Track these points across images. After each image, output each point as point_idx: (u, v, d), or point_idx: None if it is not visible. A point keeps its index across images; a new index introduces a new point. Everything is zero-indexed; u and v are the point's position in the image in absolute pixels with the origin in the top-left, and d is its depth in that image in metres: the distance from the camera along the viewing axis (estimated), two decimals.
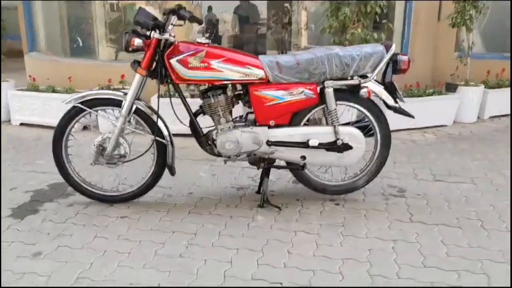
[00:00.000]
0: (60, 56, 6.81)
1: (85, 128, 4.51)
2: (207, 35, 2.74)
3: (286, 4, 8.96)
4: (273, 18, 8.96)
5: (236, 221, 2.75)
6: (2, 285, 2.13)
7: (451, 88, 5.44)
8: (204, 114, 2.89)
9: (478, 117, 5.52)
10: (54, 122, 2.92)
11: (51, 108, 4.73)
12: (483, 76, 5.72)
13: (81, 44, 7.29)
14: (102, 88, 4.52)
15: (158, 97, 2.77)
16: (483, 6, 5.21)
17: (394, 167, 3.76)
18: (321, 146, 2.83)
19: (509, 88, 5.57)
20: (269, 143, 2.82)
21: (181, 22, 2.81)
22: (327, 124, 2.96)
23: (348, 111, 3.02)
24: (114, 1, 7.10)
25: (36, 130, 4.79)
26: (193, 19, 2.77)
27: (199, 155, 3.93)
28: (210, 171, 3.61)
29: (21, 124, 5.02)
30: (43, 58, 6.73)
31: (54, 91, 4.86)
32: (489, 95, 5.51)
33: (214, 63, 2.68)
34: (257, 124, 2.86)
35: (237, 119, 2.96)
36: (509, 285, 2.16)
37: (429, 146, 4.43)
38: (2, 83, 5.16)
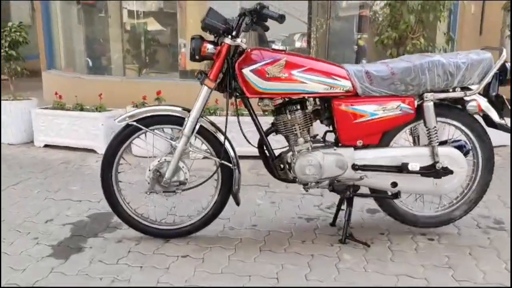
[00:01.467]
0: (81, 73, 6.46)
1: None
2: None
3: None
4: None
5: (320, 261, 2.30)
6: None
7: None
8: (277, 133, 2.46)
9: None
10: (83, 143, 2.52)
11: (79, 128, 4.32)
12: None
13: (102, 62, 6.96)
14: (137, 106, 4.12)
15: (227, 114, 2.36)
16: None
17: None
18: (417, 170, 2.39)
19: None
20: (356, 167, 2.39)
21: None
22: (414, 143, 2.54)
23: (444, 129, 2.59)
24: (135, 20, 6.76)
25: (63, 152, 4.37)
26: (282, 18, 2.32)
27: (249, 180, 3.52)
28: (267, 198, 3.17)
29: (45, 145, 4.60)
30: (65, 75, 6.39)
31: (82, 109, 4.45)
32: None
33: (296, 73, 2.27)
34: (340, 144, 2.43)
35: (317, 138, 2.54)
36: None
37: (500, 168, 3.98)
38: (25, 101, 4.78)
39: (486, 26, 5.39)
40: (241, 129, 2.46)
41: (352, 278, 2.14)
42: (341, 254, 2.37)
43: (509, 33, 4.71)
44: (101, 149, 4.11)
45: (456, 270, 2.21)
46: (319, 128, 2.56)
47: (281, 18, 2.19)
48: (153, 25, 6.91)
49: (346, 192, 2.43)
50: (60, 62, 6.79)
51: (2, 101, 4.65)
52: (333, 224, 2.70)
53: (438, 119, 2.44)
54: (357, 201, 2.92)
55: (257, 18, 2.23)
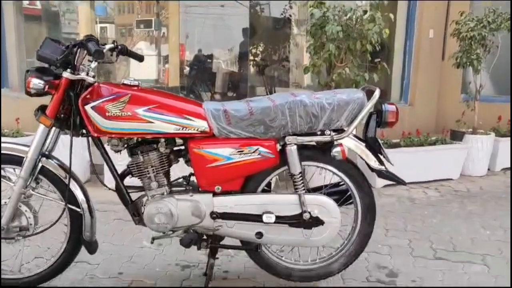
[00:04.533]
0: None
1: None
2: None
3: (286, 40, 8.43)
4: (272, 55, 8.40)
5: None
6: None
7: (457, 136, 4.77)
8: (132, 175, 2.23)
9: (489, 169, 4.83)
10: None
11: None
12: (493, 122, 5.06)
13: None
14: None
15: (70, 153, 2.13)
16: (492, 45, 4.60)
17: (386, 236, 3.06)
18: (282, 220, 2.15)
19: None
20: (214, 216, 2.15)
21: (113, 58, 2.24)
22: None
23: (320, 175, 2.35)
24: None
25: None
26: (124, 52, 2.18)
27: None
28: (157, 240, 2.91)
29: None
30: (8, 94, 6.19)
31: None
32: (501, 144, 4.83)
33: (140, 112, 2.04)
34: (200, 189, 2.20)
35: (180, 180, 2.31)
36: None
37: (431, 206, 3.72)
38: None
39: (451, 50, 5.15)
40: (94, 170, 2.25)
41: None
42: None
43: None
44: None
45: None
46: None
47: (97, 54, 1.98)
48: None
49: (198, 243, 2.19)
50: (9, 81, 6.61)
51: None
52: (205, 274, 2.45)
53: (309, 163, 2.22)
54: None
55: (86, 51, 2.03)
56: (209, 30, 7.72)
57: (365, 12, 3.71)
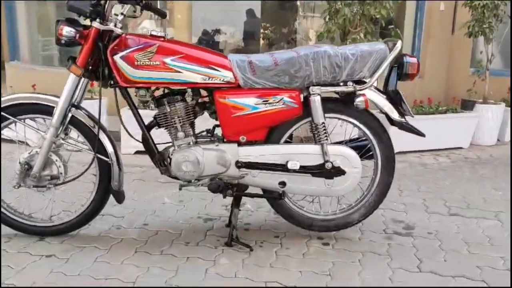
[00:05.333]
0: (40, 65, 6.34)
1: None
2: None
3: (293, 17, 8.42)
4: (280, 32, 8.40)
5: (192, 264, 2.13)
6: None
7: (467, 105, 4.81)
8: (159, 126, 2.29)
9: (498, 139, 4.87)
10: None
11: None
12: (504, 94, 5.09)
13: (60, 54, 6.81)
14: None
15: (100, 103, 2.19)
16: (504, 14, 4.60)
17: (401, 196, 3.13)
18: (304, 170, 2.21)
19: None
20: (239, 165, 2.21)
21: (137, 13, 2.28)
22: (315, 142, 2.36)
23: (341, 127, 2.41)
24: None
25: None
26: (148, 7, 2.22)
27: (169, 178, 3.35)
28: (177, 197, 3.00)
29: None
30: (22, 66, 6.28)
31: None
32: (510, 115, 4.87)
33: (168, 61, 2.10)
34: (224, 140, 2.26)
35: (203, 133, 2.37)
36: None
37: (443, 171, 3.79)
38: None
39: (460, 23, 5.15)
40: (121, 121, 2.32)
41: (214, 284, 1.97)
42: (220, 258, 2.20)
43: None
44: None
45: (334, 278, 2.04)
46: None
47: (136, 2, 2.03)
48: None
49: (226, 191, 2.25)
50: (22, 53, 6.69)
51: None
52: (228, 225, 2.53)
53: (332, 115, 2.27)
54: (266, 202, 2.77)
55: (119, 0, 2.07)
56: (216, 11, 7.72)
57: None
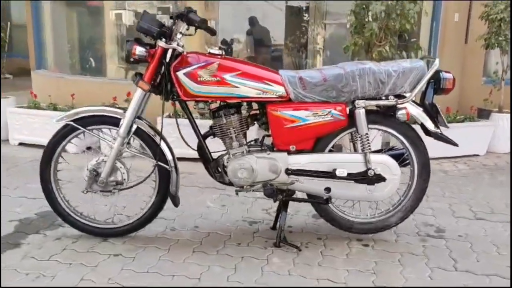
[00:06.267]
0: (68, 74, 6.55)
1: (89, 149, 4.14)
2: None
3: (304, 24, 8.65)
4: (290, 38, 8.63)
5: (247, 263, 2.33)
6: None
7: (483, 114, 5.00)
8: (214, 136, 2.50)
9: None
10: None
11: (52, 127, 4.38)
12: None
13: (92, 63, 7.04)
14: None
15: (162, 116, 2.40)
16: None
17: (427, 201, 3.32)
18: (349, 177, 2.42)
19: None
20: (289, 172, 2.42)
21: (191, 31, 2.48)
22: (355, 151, 2.56)
23: (375, 137, 2.61)
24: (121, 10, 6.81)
25: (35, 150, 4.44)
26: (204, 26, 2.42)
27: (207, 183, 3.54)
28: (219, 201, 3.20)
29: (20, 144, 4.68)
30: (49, 75, 6.48)
31: (55, 109, 4.53)
32: None
33: (228, 77, 2.31)
34: (275, 149, 2.47)
35: (252, 143, 2.58)
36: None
37: (464, 177, 3.99)
38: (2, 100, 4.86)
39: (474, 33, 5.37)
40: (179, 131, 2.52)
41: (272, 280, 2.17)
42: (271, 257, 2.40)
43: None
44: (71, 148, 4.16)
45: (379, 276, 2.24)
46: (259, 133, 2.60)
47: (200, 24, 2.24)
48: None
49: (277, 196, 2.46)
50: (48, 62, 6.89)
51: None
52: (273, 227, 2.73)
53: (373, 126, 2.47)
54: (304, 206, 2.98)
55: (186, 22, 2.28)
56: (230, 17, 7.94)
57: None
